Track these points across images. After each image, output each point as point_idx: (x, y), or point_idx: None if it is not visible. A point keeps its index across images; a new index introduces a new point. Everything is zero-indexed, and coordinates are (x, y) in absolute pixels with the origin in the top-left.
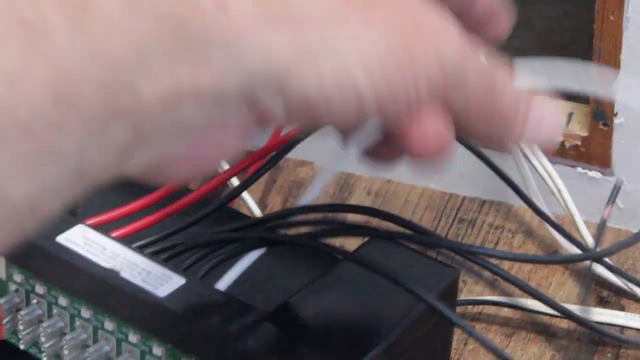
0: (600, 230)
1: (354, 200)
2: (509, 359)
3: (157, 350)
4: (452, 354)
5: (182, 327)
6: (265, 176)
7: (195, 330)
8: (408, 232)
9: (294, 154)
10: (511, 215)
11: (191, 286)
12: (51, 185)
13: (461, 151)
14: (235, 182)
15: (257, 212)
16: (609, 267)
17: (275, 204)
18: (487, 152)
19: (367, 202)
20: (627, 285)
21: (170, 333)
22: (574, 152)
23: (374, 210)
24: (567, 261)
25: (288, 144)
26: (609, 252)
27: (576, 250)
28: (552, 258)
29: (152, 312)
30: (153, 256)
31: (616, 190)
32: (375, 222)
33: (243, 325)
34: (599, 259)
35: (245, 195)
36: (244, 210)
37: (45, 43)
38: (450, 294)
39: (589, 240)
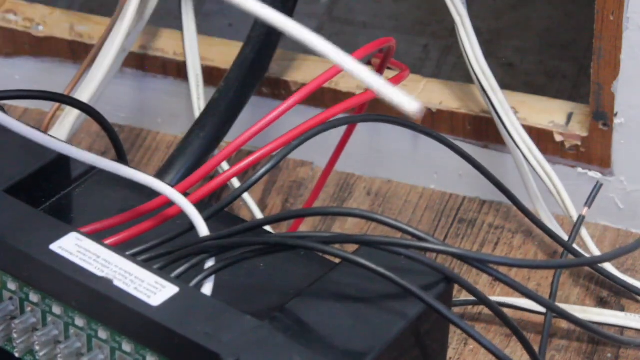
0: (574, 229)
1: (353, 201)
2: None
3: (151, 359)
4: (452, 354)
5: (175, 337)
6: (265, 177)
7: (188, 341)
8: (402, 240)
9: (294, 154)
10: (511, 216)
11: (184, 295)
12: None
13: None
14: (236, 183)
15: (258, 212)
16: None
17: (276, 205)
18: (482, 154)
19: (367, 202)
20: (626, 286)
21: (162, 343)
22: (574, 153)
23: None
24: (566, 267)
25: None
26: (609, 258)
27: (576, 253)
28: (550, 263)
29: (144, 322)
30: (147, 264)
31: (596, 189)
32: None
33: (235, 335)
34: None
35: (245, 196)
36: (244, 212)
37: None
38: (444, 299)
39: (588, 242)
